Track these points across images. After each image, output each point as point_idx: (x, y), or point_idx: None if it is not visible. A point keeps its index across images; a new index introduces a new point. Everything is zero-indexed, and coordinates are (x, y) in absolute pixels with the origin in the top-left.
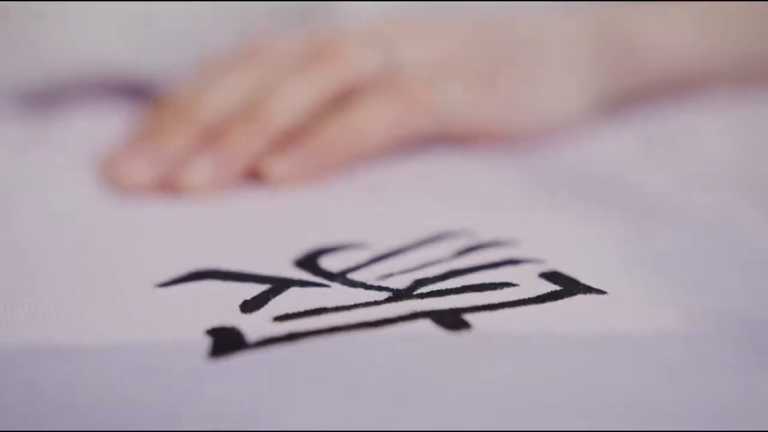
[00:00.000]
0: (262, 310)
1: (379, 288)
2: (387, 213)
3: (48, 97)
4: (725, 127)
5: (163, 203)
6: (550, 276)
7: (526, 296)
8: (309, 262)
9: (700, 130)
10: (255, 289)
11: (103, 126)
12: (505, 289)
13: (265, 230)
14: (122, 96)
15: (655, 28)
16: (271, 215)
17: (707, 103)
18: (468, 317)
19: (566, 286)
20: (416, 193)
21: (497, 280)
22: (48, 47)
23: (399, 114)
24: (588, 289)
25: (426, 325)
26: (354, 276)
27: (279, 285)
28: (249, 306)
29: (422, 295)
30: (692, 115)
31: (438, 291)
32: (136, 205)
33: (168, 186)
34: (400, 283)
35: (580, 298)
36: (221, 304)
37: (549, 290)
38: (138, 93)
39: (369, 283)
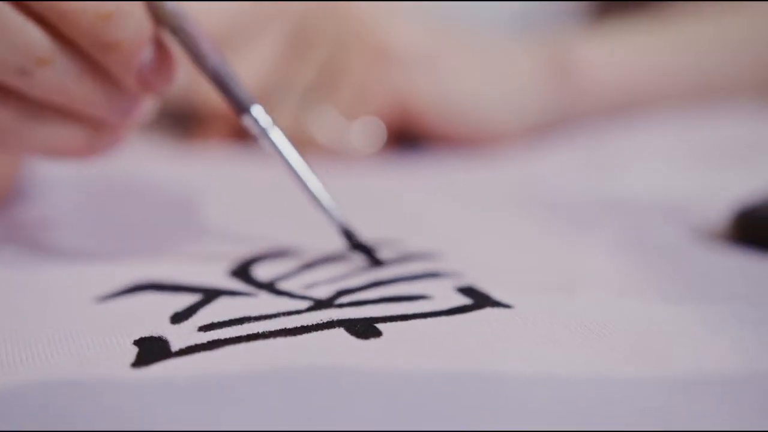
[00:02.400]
0: (190, 320)
1: (303, 297)
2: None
3: None
4: (660, 148)
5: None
6: (465, 290)
7: (437, 309)
8: (242, 271)
9: (635, 152)
10: (187, 300)
11: None
12: (420, 301)
13: (207, 236)
14: None
15: (597, 60)
16: (213, 220)
17: (648, 125)
18: (380, 326)
19: (477, 300)
20: (353, 200)
21: (414, 293)
22: None
23: None
24: (496, 304)
25: (339, 332)
26: (282, 285)
27: (209, 296)
28: (178, 317)
29: (341, 305)
30: (630, 137)
31: (356, 301)
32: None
33: None
34: (324, 292)
35: (487, 312)
36: (155, 316)
37: (460, 303)
38: None
39: (294, 292)
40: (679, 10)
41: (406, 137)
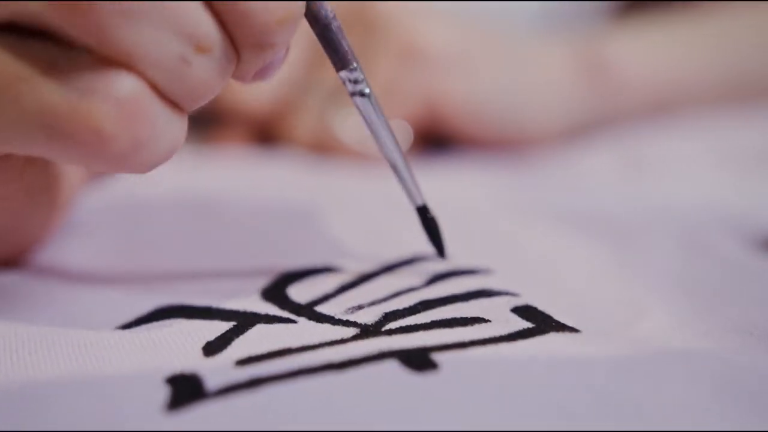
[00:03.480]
0: (225, 352)
1: (347, 323)
2: (358, 232)
3: None
4: (698, 152)
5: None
6: (523, 311)
7: (497, 334)
8: (276, 292)
9: (674, 155)
10: (220, 327)
11: None
12: (476, 326)
13: (235, 251)
14: None
15: (630, 58)
16: (240, 232)
17: (685, 126)
18: (436, 356)
19: (539, 323)
20: (388, 209)
21: (468, 315)
22: None
23: None
24: (561, 327)
25: (392, 366)
26: (322, 308)
27: (244, 323)
28: (212, 348)
29: (390, 332)
30: (668, 139)
31: (407, 327)
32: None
33: None
34: (369, 316)
35: (552, 337)
36: (185, 346)
37: (521, 327)
38: None
39: (337, 316)
40: (705, 9)
41: (434, 139)
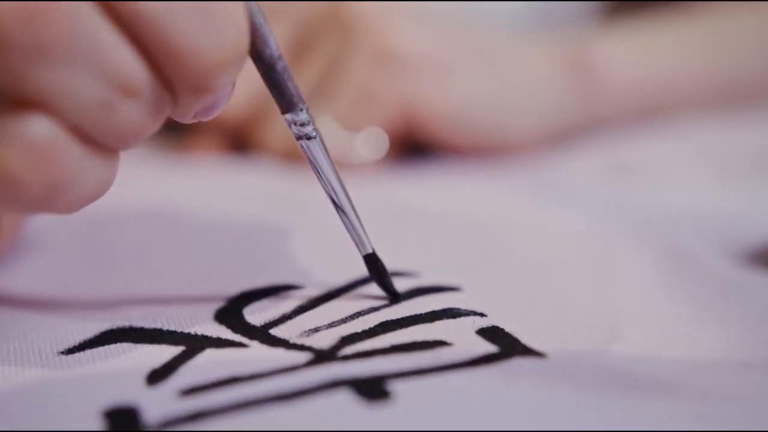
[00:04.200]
0: (170, 380)
1: (302, 347)
2: (324, 247)
3: None
4: (688, 157)
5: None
6: (489, 333)
7: (457, 360)
8: (231, 313)
9: (662, 160)
10: (167, 353)
11: None
12: (437, 350)
13: (194, 268)
14: None
15: (618, 59)
16: (201, 248)
17: (674, 130)
18: (392, 385)
19: (504, 347)
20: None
21: (430, 337)
22: None
23: None
24: (527, 351)
25: (344, 397)
26: (277, 330)
27: (193, 347)
28: (156, 376)
29: (346, 357)
30: (656, 143)
31: (363, 352)
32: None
33: None
34: (326, 340)
35: (516, 363)
36: (128, 374)
37: (484, 352)
38: None
39: (292, 340)
40: (695, 10)
41: (412, 146)
